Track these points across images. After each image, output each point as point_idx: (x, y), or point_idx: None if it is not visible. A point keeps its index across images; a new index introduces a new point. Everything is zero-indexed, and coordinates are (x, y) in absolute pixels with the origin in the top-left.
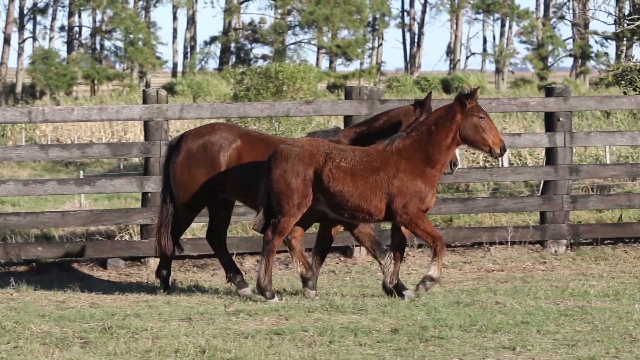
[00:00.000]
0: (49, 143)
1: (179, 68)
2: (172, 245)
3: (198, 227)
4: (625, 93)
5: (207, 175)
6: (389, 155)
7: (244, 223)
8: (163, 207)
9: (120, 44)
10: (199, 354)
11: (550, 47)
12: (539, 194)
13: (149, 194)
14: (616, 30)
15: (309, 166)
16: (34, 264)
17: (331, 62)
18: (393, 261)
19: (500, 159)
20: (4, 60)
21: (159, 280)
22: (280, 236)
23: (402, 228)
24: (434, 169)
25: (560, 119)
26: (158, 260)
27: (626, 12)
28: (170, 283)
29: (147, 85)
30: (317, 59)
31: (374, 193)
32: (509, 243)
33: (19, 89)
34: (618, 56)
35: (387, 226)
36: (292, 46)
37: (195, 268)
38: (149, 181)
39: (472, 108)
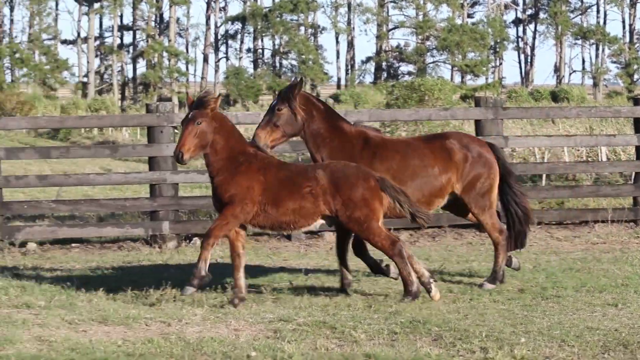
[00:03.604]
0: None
1: (342, 82)
2: None
3: None
4: None
5: None
6: None
7: None
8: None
9: (295, 62)
10: (366, 308)
11: (635, 66)
12: (632, 183)
13: None
14: None
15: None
16: None
17: (462, 77)
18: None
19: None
20: (204, 75)
21: None
22: None
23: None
24: None
25: None
26: None
27: None
28: None
29: (318, 95)
30: (451, 74)
31: None
32: (609, 222)
33: None
34: None
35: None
36: (430, 65)
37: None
38: None
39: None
